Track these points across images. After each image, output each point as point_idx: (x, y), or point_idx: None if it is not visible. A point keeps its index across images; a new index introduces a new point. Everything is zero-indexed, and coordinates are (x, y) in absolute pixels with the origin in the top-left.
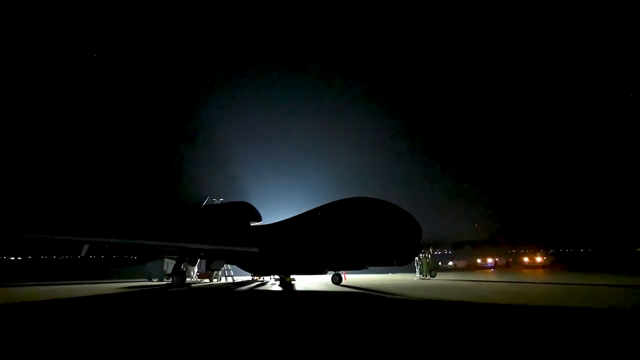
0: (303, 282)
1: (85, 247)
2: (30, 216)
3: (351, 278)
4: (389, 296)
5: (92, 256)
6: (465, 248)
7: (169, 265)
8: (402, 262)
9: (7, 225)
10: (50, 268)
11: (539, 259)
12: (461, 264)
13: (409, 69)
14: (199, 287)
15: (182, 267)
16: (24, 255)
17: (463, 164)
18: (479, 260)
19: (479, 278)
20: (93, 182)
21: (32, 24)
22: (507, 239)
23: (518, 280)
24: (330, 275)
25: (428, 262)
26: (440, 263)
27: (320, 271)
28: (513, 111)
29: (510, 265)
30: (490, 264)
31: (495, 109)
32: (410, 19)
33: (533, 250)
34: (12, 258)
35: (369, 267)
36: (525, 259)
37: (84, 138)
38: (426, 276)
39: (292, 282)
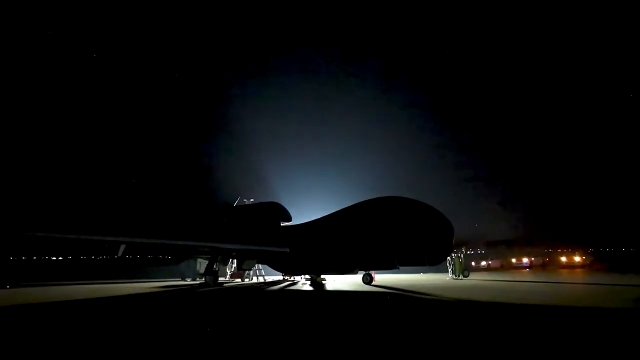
0: (334, 282)
1: (122, 247)
2: (70, 217)
3: (382, 278)
4: (420, 296)
5: (129, 256)
6: (499, 247)
7: (202, 265)
8: (433, 262)
9: (48, 226)
10: (89, 268)
11: (577, 259)
12: (495, 263)
13: (444, 64)
14: (231, 287)
15: (214, 266)
16: (65, 255)
17: (497, 161)
18: (513, 260)
19: (514, 278)
20: (130, 184)
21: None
22: (543, 238)
23: (555, 281)
24: (361, 275)
25: (461, 262)
26: (473, 263)
27: (351, 271)
28: (545, 109)
29: (547, 265)
30: (526, 263)
31: (532, 107)
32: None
33: (571, 249)
34: (54, 258)
35: (400, 267)
36: (563, 259)
37: (121, 142)
38: (459, 276)
39: (323, 281)
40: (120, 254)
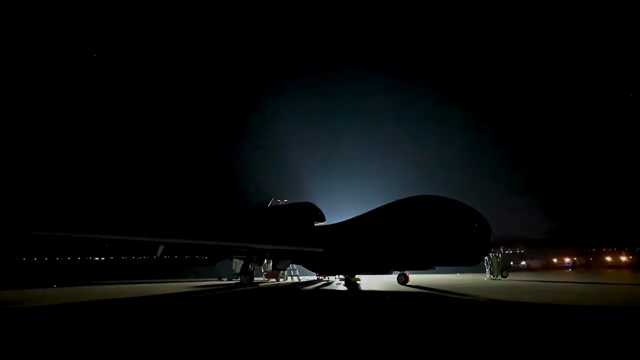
0: (368, 282)
1: (161, 248)
2: (111, 220)
3: (418, 278)
4: (456, 297)
5: (167, 256)
6: (540, 247)
7: (237, 265)
8: (470, 262)
9: (92, 228)
10: (130, 268)
11: (623, 258)
12: (535, 263)
13: (476, 64)
14: (266, 287)
15: (249, 266)
16: (107, 256)
17: (536, 158)
18: (555, 260)
19: (555, 279)
20: (168, 187)
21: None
22: (586, 237)
23: (600, 282)
24: (396, 276)
25: (499, 262)
26: (512, 263)
27: (386, 271)
28: (590, 106)
29: (590, 265)
30: (568, 263)
31: (571, 106)
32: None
33: (616, 248)
34: (97, 258)
35: (435, 267)
36: (608, 259)
37: (161, 146)
38: (497, 276)
39: (357, 282)
40: (159, 254)
